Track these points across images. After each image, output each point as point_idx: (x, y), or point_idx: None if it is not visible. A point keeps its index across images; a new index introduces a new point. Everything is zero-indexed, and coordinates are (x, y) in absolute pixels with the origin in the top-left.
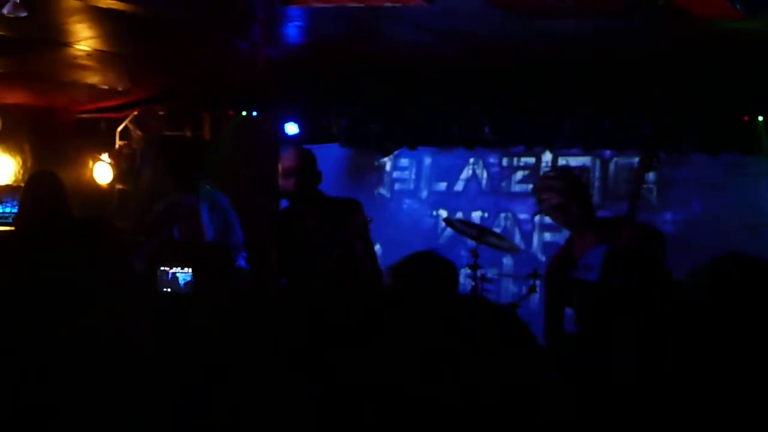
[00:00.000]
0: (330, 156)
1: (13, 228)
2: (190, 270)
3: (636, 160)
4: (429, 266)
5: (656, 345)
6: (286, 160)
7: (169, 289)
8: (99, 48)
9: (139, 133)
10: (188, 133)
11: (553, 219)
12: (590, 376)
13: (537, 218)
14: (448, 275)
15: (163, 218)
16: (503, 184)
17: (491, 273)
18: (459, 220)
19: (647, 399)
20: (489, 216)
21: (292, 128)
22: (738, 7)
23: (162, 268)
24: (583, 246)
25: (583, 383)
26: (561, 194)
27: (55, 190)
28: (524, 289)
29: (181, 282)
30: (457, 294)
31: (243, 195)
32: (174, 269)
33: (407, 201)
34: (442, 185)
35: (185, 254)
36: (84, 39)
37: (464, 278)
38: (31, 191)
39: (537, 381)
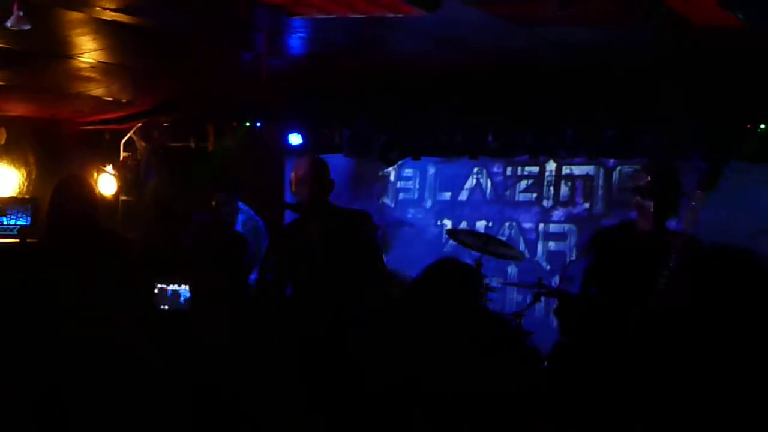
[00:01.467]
0: (334, 166)
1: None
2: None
3: (636, 168)
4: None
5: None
6: (301, 168)
7: (167, 306)
8: (103, 60)
9: (144, 144)
10: (192, 144)
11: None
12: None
13: (542, 227)
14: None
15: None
16: (507, 193)
17: (495, 282)
18: (463, 231)
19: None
20: (493, 225)
21: (295, 138)
22: (740, 16)
23: (161, 286)
24: None
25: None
26: None
27: (83, 197)
28: (529, 299)
29: (182, 299)
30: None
31: (248, 206)
32: (173, 286)
33: (411, 211)
34: (447, 195)
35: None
36: (88, 51)
37: None
38: (59, 198)
39: (530, 389)
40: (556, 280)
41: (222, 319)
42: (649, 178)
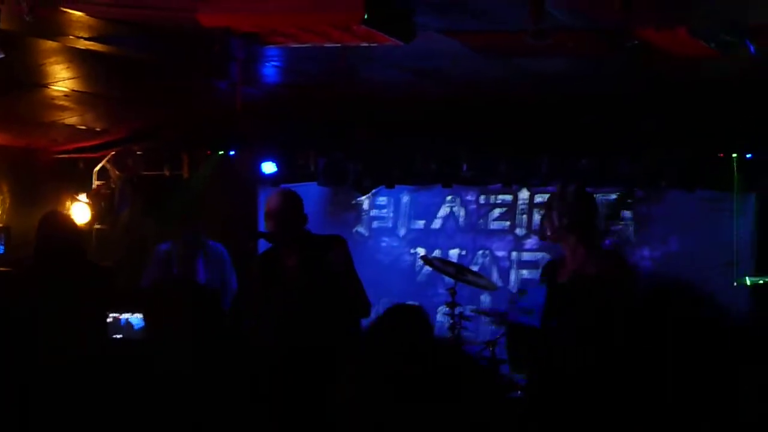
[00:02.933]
0: (308, 195)
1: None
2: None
3: (613, 196)
4: (401, 320)
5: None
6: (270, 203)
7: (120, 336)
8: (77, 89)
9: (117, 172)
10: (167, 173)
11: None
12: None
13: (514, 255)
14: (420, 326)
15: (162, 259)
16: (481, 221)
17: (469, 310)
18: (437, 258)
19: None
20: (467, 253)
21: (269, 167)
22: (712, 45)
23: (114, 315)
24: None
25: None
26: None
27: (69, 230)
28: (502, 327)
29: (135, 327)
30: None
31: (221, 234)
32: (126, 315)
33: (385, 239)
34: (420, 223)
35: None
36: (62, 80)
37: (442, 316)
38: (46, 229)
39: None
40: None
41: (181, 351)
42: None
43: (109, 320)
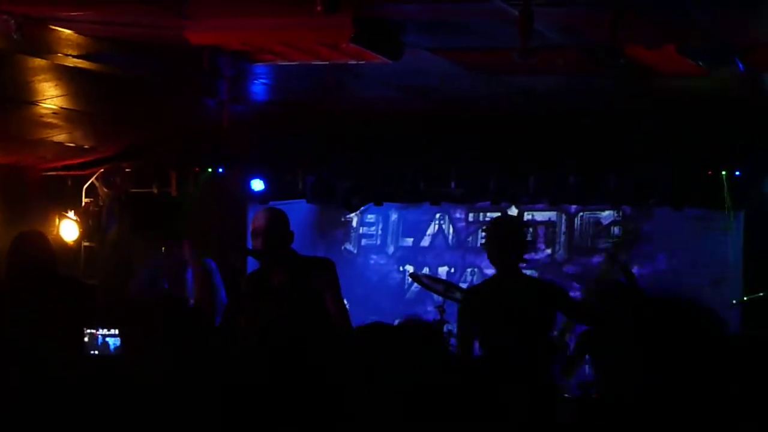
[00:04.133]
0: (296, 212)
1: None
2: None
3: (603, 214)
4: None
5: None
6: (256, 221)
7: (97, 353)
8: (65, 106)
9: (106, 190)
10: (155, 190)
11: None
12: None
13: None
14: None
15: (150, 273)
16: (469, 239)
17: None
18: (425, 276)
19: None
20: (455, 271)
21: (258, 185)
22: (700, 63)
23: (90, 332)
24: None
25: None
26: None
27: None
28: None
29: (111, 346)
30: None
31: (209, 251)
32: (103, 331)
33: (374, 257)
34: (409, 241)
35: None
36: (50, 97)
37: None
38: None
39: None
40: None
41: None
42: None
43: (85, 339)
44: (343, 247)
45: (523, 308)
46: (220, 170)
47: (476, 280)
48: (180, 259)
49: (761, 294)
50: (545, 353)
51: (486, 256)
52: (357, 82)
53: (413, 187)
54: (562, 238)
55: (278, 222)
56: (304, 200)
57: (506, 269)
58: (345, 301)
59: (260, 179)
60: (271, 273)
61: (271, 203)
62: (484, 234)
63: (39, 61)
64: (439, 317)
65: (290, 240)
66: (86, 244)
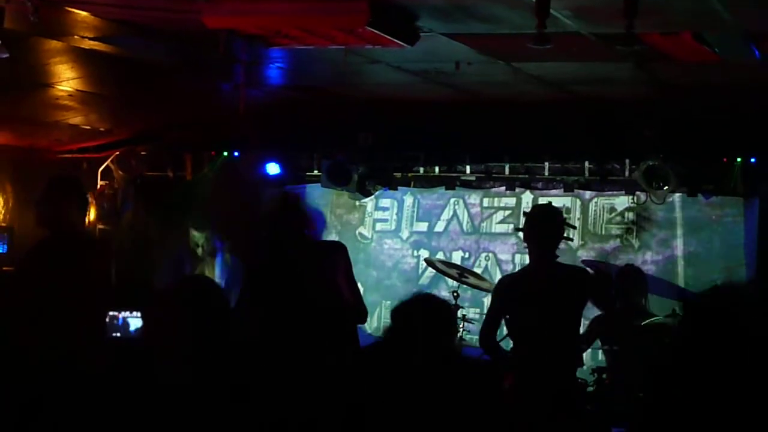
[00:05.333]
0: (311, 196)
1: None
2: (140, 315)
3: (617, 200)
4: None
5: None
6: (272, 204)
7: (118, 334)
8: (81, 89)
9: (121, 173)
10: (170, 174)
11: None
12: None
13: (518, 258)
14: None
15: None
16: (484, 224)
17: (472, 313)
18: (440, 261)
19: None
20: (469, 256)
21: (273, 168)
22: (716, 50)
23: (112, 313)
24: None
25: None
26: None
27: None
28: (504, 329)
29: (131, 327)
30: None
31: (224, 235)
32: (124, 314)
33: (388, 241)
34: (423, 225)
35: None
36: (66, 80)
37: None
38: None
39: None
40: None
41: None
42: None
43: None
44: (357, 232)
45: (556, 295)
46: (236, 154)
47: (491, 265)
48: (203, 255)
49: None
50: (573, 341)
51: (502, 241)
52: (373, 66)
53: (428, 172)
54: (577, 223)
55: (295, 206)
56: (318, 184)
57: (542, 256)
58: (358, 284)
59: (275, 163)
60: (286, 259)
61: (286, 187)
62: (525, 219)
63: (55, 44)
64: (453, 302)
65: (307, 225)
66: (101, 226)
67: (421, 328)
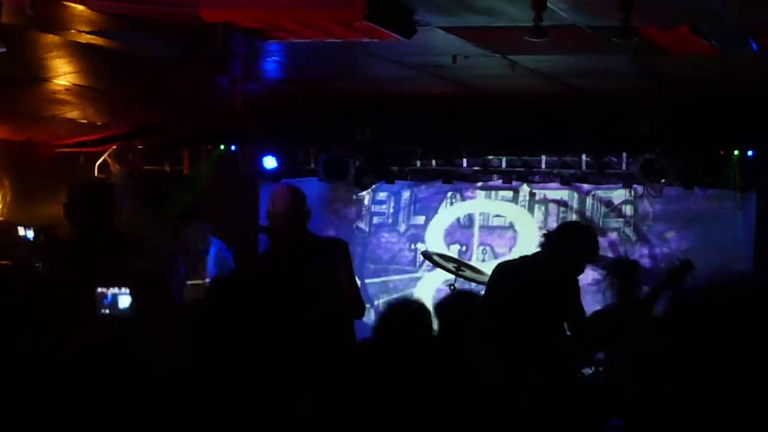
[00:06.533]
0: (308, 190)
1: None
2: (129, 291)
3: (615, 193)
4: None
5: None
6: (275, 198)
7: (108, 311)
8: (78, 83)
9: (118, 167)
10: (167, 168)
11: None
12: None
13: (515, 251)
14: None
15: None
16: (481, 217)
17: None
18: (437, 254)
19: None
20: (467, 249)
21: (270, 162)
22: (714, 43)
23: (101, 290)
24: None
25: None
26: None
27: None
28: None
29: (120, 305)
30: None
31: (222, 229)
32: (113, 290)
33: (385, 235)
34: (421, 219)
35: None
36: (63, 74)
37: None
38: None
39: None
40: None
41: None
42: None
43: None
44: (354, 225)
45: (546, 292)
46: (233, 148)
47: (487, 258)
48: (202, 242)
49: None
50: (557, 337)
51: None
52: (370, 60)
53: (425, 166)
54: (574, 216)
55: (298, 201)
56: (315, 178)
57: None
58: (357, 281)
59: (272, 157)
60: (284, 252)
61: (283, 181)
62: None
63: (52, 38)
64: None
65: (306, 219)
66: None
67: (399, 337)
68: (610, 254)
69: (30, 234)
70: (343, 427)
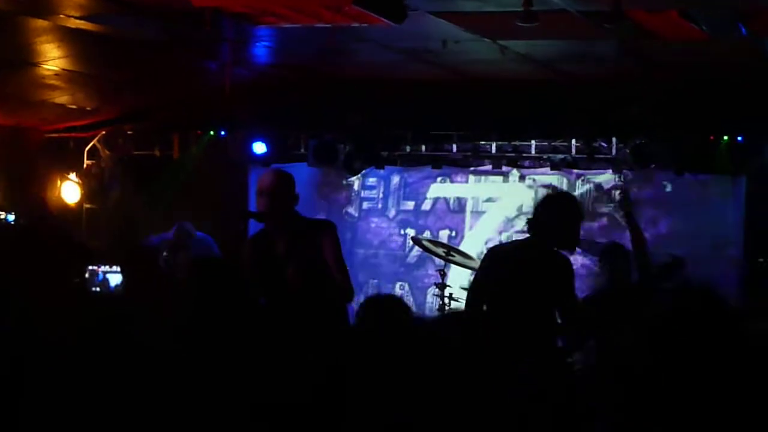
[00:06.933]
0: (298, 175)
1: None
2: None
3: (604, 178)
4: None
5: None
6: (262, 181)
7: (98, 289)
8: (67, 68)
9: (108, 152)
10: (157, 153)
11: None
12: None
13: (504, 236)
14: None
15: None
16: (471, 202)
17: (458, 292)
18: (426, 239)
19: None
20: (456, 234)
21: (260, 147)
22: (703, 28)
23: (92, 268)
24: None
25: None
26: None
27: None
28: None
29: (111, 283)
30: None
31: (212, 214)
32: (104, 268)
33: (375, 220)
34: (410, 204)
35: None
36: (53, 59)
37: (431, 297)
38: None
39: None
40: None
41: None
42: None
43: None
44: (344, 211)
45: (538, 277)
46: (223, 133)
47: (477, 243)
48: (182, 238)
49: None
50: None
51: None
52: (359, 45)
53: (414, 151)
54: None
55: (284, 183)
56: (305, 163)
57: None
58: (347, 266)
59: (262, 142)
60: (274, 235)
61: (273, 166)
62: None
63: (41, 23)
64: (440, 280)
65: (295, 202)
66: (88, 206)
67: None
68: (600, 239)
69: (11, 218)
70: (339, 417)
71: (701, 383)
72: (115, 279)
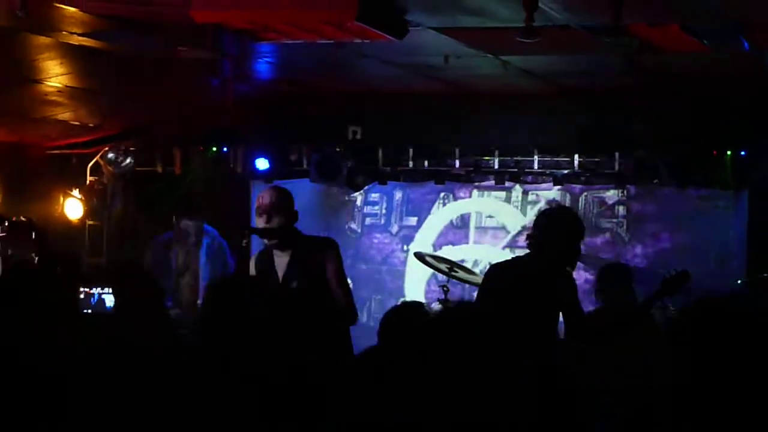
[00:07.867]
0: (300, 191)
1: None
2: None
3: (608, 193)
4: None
5: None
6: (261, 198)
7: (90, 311)
8: (70, 84)
9: (110, 168)
10: (159, 169)
11: None
12: None
13: (507, 252)
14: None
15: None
16: (474, 218)
17: None
18: (429, 255)
19: None
20: (459, 251)
21: (262, 163)
22: (705, 42)
23: (84, 290)
24: None
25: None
26: None
27: None
28: None
29: (107, 305)
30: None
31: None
32: (97, 290)
33: (378, 236)
34: (413, 220)
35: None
36: (55, 75)
37: None
38: None
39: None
40: None
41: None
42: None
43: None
44: (346, 226)
45: (538, 293)
46: (225, 149)
47: (480, 260)
48: (194, 234)
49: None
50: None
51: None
52: (361, 61)
53: (417, 166)
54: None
55: (283, 199)
56: (308, 179)
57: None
58: (348, 280)
59: (264, 158)
60: (275, 253)
61: (275, 182)
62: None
63: (44, 39)
64: (443, 296)
65: (295, 219)
66: (90, 222)
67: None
68: (603, 255)
69: None
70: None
71: (747, 394)
72: (110, 300)
